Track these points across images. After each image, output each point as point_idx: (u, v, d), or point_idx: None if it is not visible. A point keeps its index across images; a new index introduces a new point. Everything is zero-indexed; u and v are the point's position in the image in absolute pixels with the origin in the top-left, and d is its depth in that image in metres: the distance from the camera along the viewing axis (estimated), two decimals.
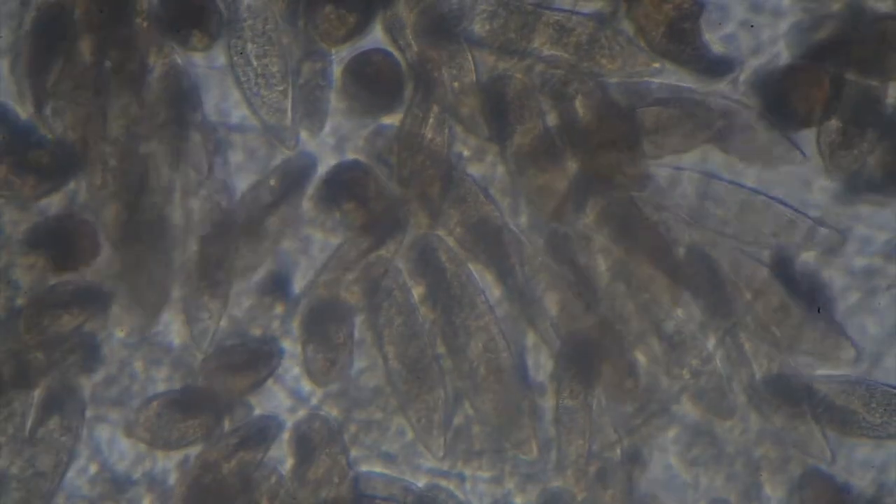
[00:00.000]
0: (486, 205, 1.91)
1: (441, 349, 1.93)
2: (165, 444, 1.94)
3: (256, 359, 1.94)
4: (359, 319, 1.94)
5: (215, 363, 1.93)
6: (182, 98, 1.92)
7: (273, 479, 1.94)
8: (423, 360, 1.92)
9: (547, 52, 1.91)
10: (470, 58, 1.91)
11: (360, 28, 1.92)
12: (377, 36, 1.94)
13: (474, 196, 1.91)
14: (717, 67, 1.90)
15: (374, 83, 1.93)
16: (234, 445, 1.93)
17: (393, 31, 1.92)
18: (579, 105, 1.89)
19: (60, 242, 1.93)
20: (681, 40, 1.89)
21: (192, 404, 1.94)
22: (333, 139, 1.96)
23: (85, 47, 1.91)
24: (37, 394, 1.93)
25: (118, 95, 1.91)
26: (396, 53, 1.93)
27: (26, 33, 1.93)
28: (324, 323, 1.93)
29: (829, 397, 1.89)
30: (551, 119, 1.90)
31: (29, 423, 1.94)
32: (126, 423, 1.95)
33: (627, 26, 1.91)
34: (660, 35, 1.88)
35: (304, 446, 1.94)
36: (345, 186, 1.93)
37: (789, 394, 1.89)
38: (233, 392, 1.93)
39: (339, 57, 1.94)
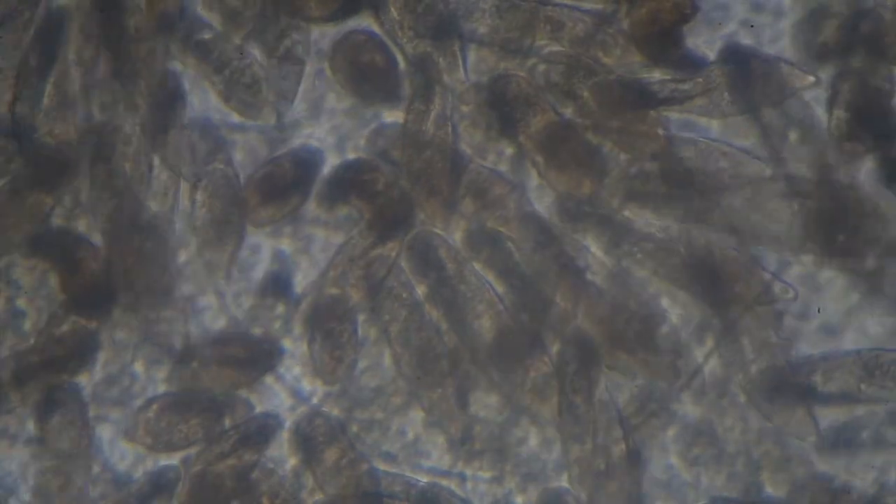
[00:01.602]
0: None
1: (448, 342, 1.93)
2: (167, 446, 1.94)
3: (254, 357, 1.94)
4: (361, 318, 1.95)
5: (212, 351, 1.93)
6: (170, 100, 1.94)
7: (274, 479, 1.94)
8: (430, 353, 1.92)
9: (546, 48, 1.91)
10: (459, 57, 1.92)
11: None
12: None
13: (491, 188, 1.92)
14: (694, 68, 1.91)
15: (368, 71, 1.94)
16: (233, 444, 1.93)
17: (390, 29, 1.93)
18: (587, 96, 1.90)
19: (65, 260, 1.94)
20: (668, 40, 1.90)
21: (191, 404, 1.94)
22: (334, 138, 1.96)
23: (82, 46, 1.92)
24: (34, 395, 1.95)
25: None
26: (394, 49, 1.94)
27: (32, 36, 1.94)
28: (328, 320, 1.93)
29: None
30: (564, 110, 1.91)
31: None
32: (126, 429, 1.95)
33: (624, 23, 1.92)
34: (648, 32, 1.89)
35: (307, 443, 1.94)
36: (353, 180, 1.93)
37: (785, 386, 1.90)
38: (220, 384, 1.93)
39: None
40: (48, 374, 1.94)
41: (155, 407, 1.94)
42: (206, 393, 1.94)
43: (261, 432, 1.94)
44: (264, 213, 1.94)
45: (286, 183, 1.93)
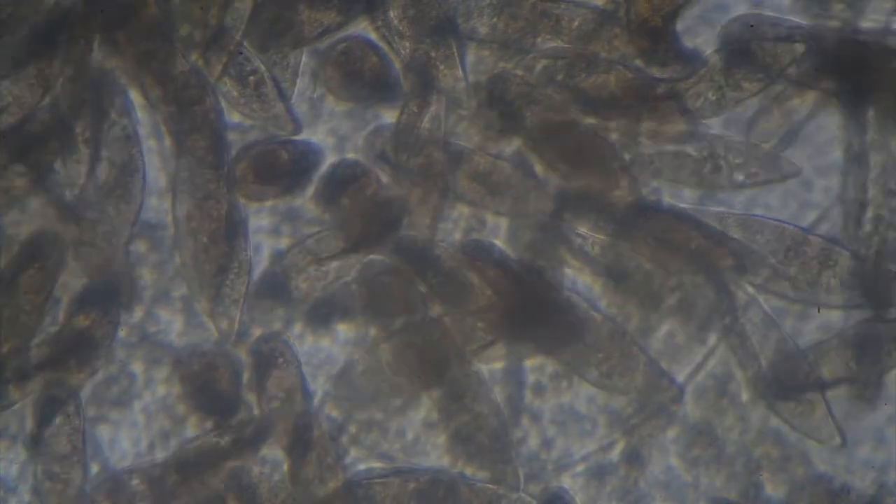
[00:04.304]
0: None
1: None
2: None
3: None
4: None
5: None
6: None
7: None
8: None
9: (547, 43, 1.91)
10: (458, 58, 1.91)
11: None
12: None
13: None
14: (688, 60, 1.91)
15: (363, 74, 1.94)
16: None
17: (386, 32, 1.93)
18: (589, 86, 1.90)
19: None
20: (663, 35, 1.90)
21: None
22: (333, 139, 1.96)
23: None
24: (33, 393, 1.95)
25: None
26: (389, 52, 1.94)
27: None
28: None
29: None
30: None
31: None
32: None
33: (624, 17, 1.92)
34: (644, 25, 1.89)
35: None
36: (342, 181, 1.93)
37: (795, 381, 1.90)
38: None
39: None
40: (52, 372, 1.94)
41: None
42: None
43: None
44: (255, 188, 1.94)
45: (281, 168, 1.93)
